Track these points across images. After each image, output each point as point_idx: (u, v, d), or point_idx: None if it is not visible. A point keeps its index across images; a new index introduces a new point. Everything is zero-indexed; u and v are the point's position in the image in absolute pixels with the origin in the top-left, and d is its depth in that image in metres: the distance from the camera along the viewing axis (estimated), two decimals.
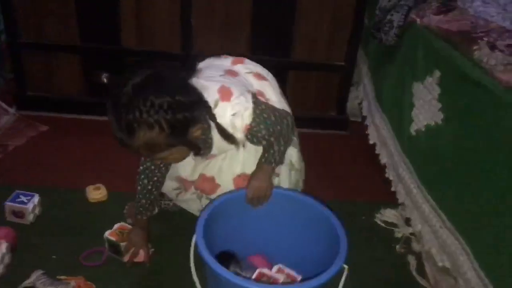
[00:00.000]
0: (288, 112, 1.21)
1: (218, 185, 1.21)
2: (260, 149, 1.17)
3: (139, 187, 1.23)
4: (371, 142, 1.81)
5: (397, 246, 1.42)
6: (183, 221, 1.37)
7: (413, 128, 1.41)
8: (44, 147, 1.75)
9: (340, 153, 1.93)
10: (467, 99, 1.13)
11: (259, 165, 1.17)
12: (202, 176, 1.23)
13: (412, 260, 1.36)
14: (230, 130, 1.06)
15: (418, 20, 1.47)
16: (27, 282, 1.16)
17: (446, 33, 1.32)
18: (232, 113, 1.05)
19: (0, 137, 1.75)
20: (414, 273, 1.33)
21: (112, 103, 0.96)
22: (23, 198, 1.38)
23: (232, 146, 1.12)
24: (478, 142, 1.07)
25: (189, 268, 1.05)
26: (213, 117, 1.04)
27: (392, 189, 1.57)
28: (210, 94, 1.04)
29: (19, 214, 1.36)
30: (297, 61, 1.94)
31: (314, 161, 1.83)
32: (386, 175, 1.64)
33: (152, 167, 1.21)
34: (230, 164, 1.20)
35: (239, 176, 1.20)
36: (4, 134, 1.77)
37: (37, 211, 1.40)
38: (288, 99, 1.99)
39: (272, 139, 1.12)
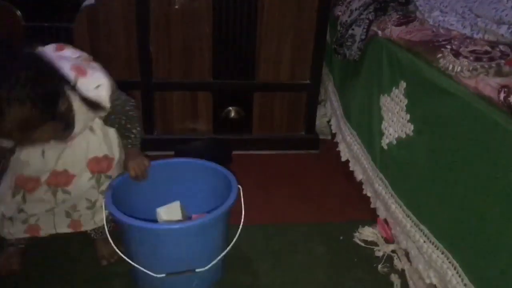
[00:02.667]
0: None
1: (73, 175, 1.19)
2: (106, 130, 1.21)
3: None
4: (343, 159, 1.77)
5: (379, 266, 1.36)
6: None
7: (384, 142, 1.37)
8: None
9: (313, 173, 1.88)
10: (436, 108, 1.10)
11: (127, 151, 1.24)
12: (53, 172, 1.17)
13: (395, 279, 1.30)
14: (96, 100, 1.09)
15: (379, 32, 1.46)
16: None
17: (408, 43, 1.30)
18: (96, 86, 1.07)
19: None
20: None
21: None
22: None
23: (95, 119, 1.17)
24: (451, 151, 1.04)
25: None
26: (74, 89, 1.03)
27: (372, 205, 1.53)
28: (66, 71, 1.02)
29: None
30: (262, 83, 1.90)
31: (286, 182, 1.79)
32: (364, 192, 1.60)
33: None
34: (80, 153, 1.19)
35: (91, 160, 1.20)
36: None
37: None
38: (256, 122, 1.98)
39: (125, 121, 1.19)
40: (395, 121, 1.30)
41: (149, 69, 1.82)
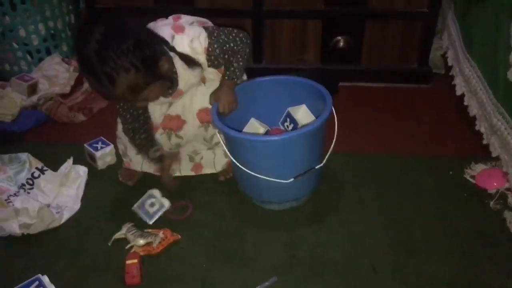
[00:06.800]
0: (241, 30, 1.25)
1: (184, 121, 1.30)
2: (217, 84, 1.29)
3: (129, 131, 1.29)
4: (458, 93, 1.68)
5: (491, 202, 1.32)
6: None
7: (511, 74, 1.28)
8: None
9: (423, 107, 1.82)
10: None
11: (223, 82, 1.28)
12: (167, 117, 1.30)
13: (509, 216, 1.26)
14: (191, 56, 1.17)
15: None
16: (119, 234, 1.22)
17: None
18: (190, 40, 1.15)
19: (84, 100, 1.83)
20: None
21: (84, 61, 1.04)
22: (99, 145, 1.48)
23: (197, 77, 1.22)
24: None
25: None
26: (172, 48, 1.14)
27: (484, 142, 1.45)
28: (165, 33, 1.15)
29: (92, 157, 1.48)
30: (375, 10, 1.82)
31: (394, 115, 1.76)
32: (477, 128, 1.52)
33: (133, 112, 1.28)
34: (191, 101, 1.29)
35: (201, 110, 1.29)
36: (88, 97, 1.84)
37: (108, 159, 1.49)
38: (365, 52, 1.93)
39: (227, 57, 1.21)
40: None
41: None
